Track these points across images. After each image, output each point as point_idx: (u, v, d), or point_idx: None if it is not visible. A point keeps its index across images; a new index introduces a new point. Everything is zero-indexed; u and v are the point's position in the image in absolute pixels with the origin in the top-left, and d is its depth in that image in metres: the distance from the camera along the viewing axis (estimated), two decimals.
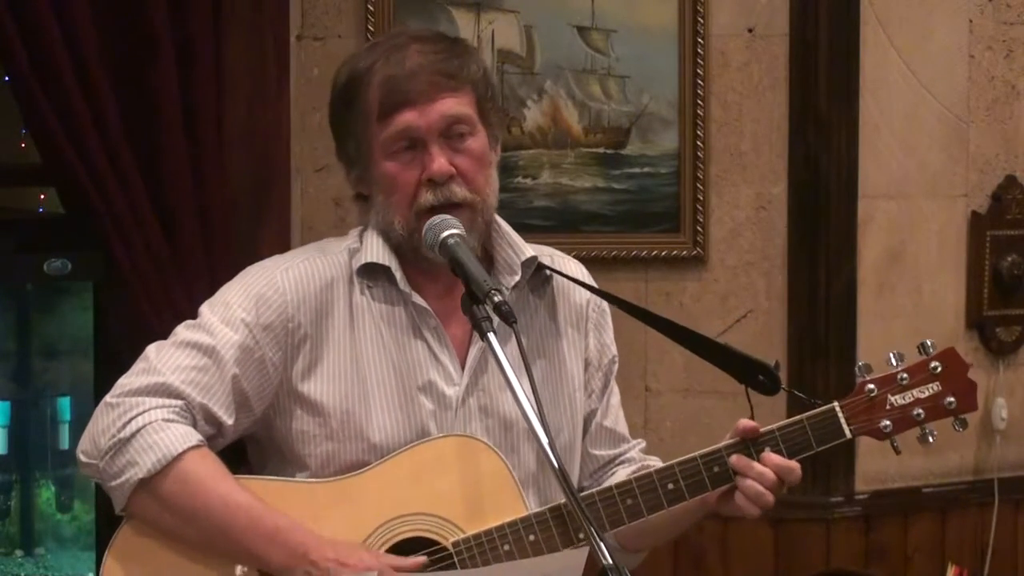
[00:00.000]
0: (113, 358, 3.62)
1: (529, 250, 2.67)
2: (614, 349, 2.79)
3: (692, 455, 2.57)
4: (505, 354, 2.37)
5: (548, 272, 2.70)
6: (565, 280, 2.72)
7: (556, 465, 2.30)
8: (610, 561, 2.23)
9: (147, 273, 3.77)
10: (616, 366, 2.80)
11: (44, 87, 3.64)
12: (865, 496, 4.23)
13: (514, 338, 2.38)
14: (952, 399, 2.60)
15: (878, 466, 4.24)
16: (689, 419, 4.20)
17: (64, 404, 3.99)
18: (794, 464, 2.56)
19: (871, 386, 2.59)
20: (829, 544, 4.21)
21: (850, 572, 4.19)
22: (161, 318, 3.60)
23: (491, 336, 2.37)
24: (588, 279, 2.75)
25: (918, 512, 4.31)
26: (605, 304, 2.77)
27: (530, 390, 2.35)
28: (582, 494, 2.55)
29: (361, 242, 2.64)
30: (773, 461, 2.55)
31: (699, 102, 4.17)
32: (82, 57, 3.67)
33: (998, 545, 4.36)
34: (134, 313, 3.75)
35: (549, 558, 2.47)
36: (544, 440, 2.31)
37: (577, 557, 2.29)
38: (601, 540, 2.24)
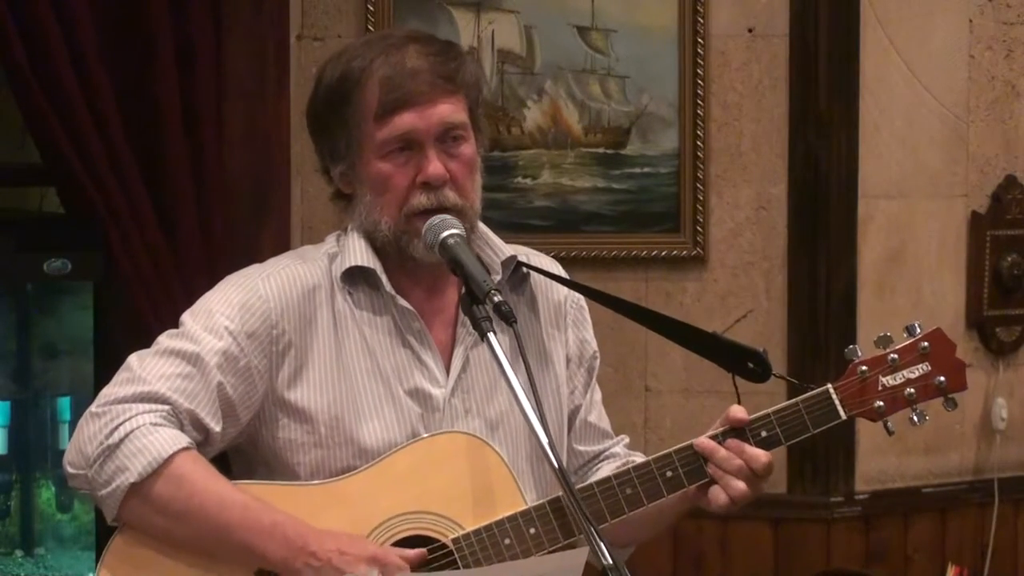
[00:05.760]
0: (113, 358, 3.59)
1: (508, 249, 2.67)
2: (595, 345, 2.79)
3: (687, 443, 2.56)
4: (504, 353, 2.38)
5: (525, 270, 2.70)
6: (542, 278, 2.71)
7: (556, 465, 2.31)
8: (610, 561, 2.23)
9: (147, 273, 3.77)
10: (598, 362, 2.79)
11: (44, 87, 3.65)
12: (865, 496, 4.23)
13: (506, 336, 2.41)
14: (943, 378, 2.59)
15: (878, 466, 4.24)
16: (689, 419, 4.20)
17: (64, 404, 3.99)
18: (763, 453, 2.54)
19: (863, 368, 2.58)
20: (829, 544, 4.21)
21: (850, 572, 4.19)
22: (161, 318, 3.60)
23: (491, 336, 2.38)
24: (564, 276, 2.75)
25: (918, 512, 4.30)
26: (583, 300, 2.76)
27: (530, 390, 2.36)
28: (579, 486, 2.55)
29: (340, 246, 2.63)
30: (741, 448, 2.54)
31: (699, 102, 4.16)
32: (82, 57, 3.67)
33: (998, 545, 4.36)
34: (134, 313, 3.75)
35: (549, 558, 2.47)
36: (544, 440, 2.32)
37: (577, 557, 2.28)
38: (601, 540, 2.24)
